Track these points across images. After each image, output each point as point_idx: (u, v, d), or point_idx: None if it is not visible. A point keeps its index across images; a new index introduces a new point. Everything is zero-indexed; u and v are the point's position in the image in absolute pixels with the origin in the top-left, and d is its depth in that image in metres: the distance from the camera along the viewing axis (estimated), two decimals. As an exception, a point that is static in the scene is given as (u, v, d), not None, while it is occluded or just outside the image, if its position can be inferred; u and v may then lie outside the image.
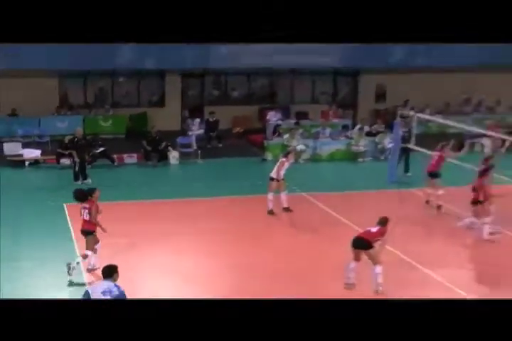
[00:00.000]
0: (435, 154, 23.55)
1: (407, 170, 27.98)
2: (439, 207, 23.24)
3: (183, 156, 30.26)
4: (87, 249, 17.18)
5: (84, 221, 17.22)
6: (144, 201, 23.32)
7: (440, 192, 23.12)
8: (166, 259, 18.39)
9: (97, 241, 17.33)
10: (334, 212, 22.69)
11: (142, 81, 36.17)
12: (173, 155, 29.89)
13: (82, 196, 17.26)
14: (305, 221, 21.98)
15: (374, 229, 16.49)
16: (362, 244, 16.30)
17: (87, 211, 17.11)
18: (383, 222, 16.53)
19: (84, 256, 17.14)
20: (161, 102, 36.40)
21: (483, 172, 20.58)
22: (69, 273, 16.52)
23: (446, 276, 17.41)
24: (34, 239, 19.80)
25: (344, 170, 29.11)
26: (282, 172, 22.53)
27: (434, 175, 23.31)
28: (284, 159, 22.90)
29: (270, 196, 22.52)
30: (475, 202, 20.17)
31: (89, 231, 17.22)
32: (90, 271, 17.16)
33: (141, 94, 36.34)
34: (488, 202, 20.22)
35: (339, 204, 23.44)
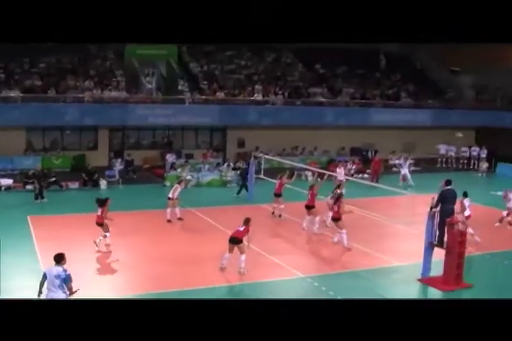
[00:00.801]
0: (277, 182, 23.59)
1: (246, 190, 27.79)
2: (280, 215, 23.24)
3: (110, 183, 29.49)
4: (105, 232, 18.05)
5: (98, 216, 18.22)
6: (82, 214, 22.58)
7: (282, 206, 23.16)
8: (97, 254, 17.85)
9: (108, 229, 18.12)
10: (211, 220, 22.41)
11: (82, 133, 35.17)
12: (103, 183, 29.09)
13: (101, 202, 18.30)
14: (192, 226, 21.69)
15: (241, 228, 16.23)
16: (235, 240, 16.09)
17: (100, 210, 18.20)
18: (246, 221, 16.29)
19: (104, 236, 18.01)
20: (95, 147, 35.45)
21: (338, 199, 19.30)
22: (96, 245, 17.98)
23: (284, 261, 17.41)
24: (6, 239, 18.70)
25: (218, 192, 28.75)
26: (176, 194, 22.17)
27: (277, 195, 23.35)
28: (177, 185, 22.61)
29: (168, 210, 22.12)
30: (335, 219, 19.14)
31: (100, 223, 18.11)
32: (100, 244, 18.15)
33: (81, 141, 35.35)
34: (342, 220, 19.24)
35: (214, 215, 23.21)
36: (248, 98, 37.44)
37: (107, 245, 18.13)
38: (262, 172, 27.68)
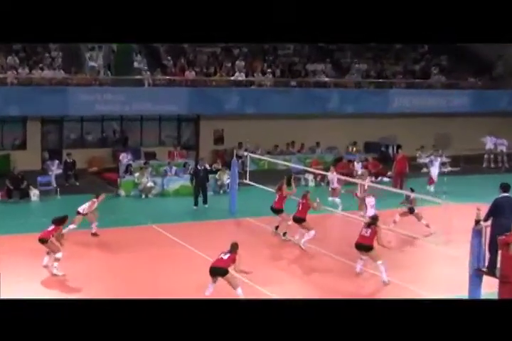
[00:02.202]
0: (277, 194, 23.27)
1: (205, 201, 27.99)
2: (284, 234, 22.89)
3: (44, 193, 29.16)
4: (54, 252, 18.67)
5: (45, 232, 18.96)
6: (5, 236, 22.26)
7: (289, 222, 22.75)
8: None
9: (57, 249, 18.77)
10: (181, 241, 22.19)
11: (6, 126, 34.91)
12: (34, 193, 28.73)
13: (58, 221, 19.22)
14: (156, 248, 21.39)
15: (225, 256, 16.18)
16: (218, 271, 16.03)
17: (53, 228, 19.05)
18: (234, 247, 16.31)
19: (56, 259, 18.62)
20: (23, 145, 35.21)
21: (373, 223, 18.84)
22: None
23: (279, 293, 17.04)
24: None
25: (189, 203, 28.26)
26: (89, 210, 22.45)
27: (278, 211, 23.03)
28: (94, 200, 22.74)
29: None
30: (367, 248, 18.54)
31: (45, 239, 18.72)
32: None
33: (4, 138, 35.11)
34: None
35: (186, 234, 23.10)
36: (227, 78, 37.25)
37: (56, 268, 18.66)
38: (247, 176, 27.38)
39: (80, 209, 22.39)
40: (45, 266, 18.87)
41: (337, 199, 26.07)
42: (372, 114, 39.20)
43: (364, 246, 18.65)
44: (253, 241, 22.15)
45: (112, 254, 20.94)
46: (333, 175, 27.36)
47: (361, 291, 18.12)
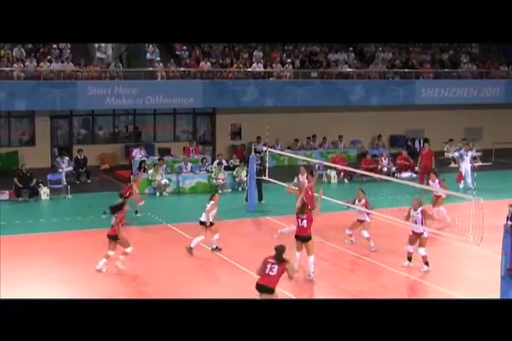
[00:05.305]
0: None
1: (260, 198, 28.12)
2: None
3: (54, 192, 29.28)
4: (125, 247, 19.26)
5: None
6: (16, 235, 22.47)
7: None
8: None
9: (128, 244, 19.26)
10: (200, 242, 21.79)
11: (13, 122, 35.31)
12: (44, 191, 28.91)
13: (115, 209, 19.40)
14: (176, 250, 21.37)
15: (274, 271, 14.30)
16: (265, 290, 14.23)
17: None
18: (279, 255, 14.45)
19: (124, 253, 19.22)
20: (31, 142, 35.57)
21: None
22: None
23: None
24: None
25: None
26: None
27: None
28: (212, 202, 21.66)
29: None
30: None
31: (114, 236, 19.07)
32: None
33: (12, 134, 35.42)
34: None
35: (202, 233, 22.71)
36: (244, 69, 37.45)
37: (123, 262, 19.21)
38: (267, 172, 27.42)
39: (203, 218, 21.30)
40: (99, 270, 19.03)
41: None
42: (398, 106, 39.57)
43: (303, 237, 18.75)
44: (272, 243, 21.89)
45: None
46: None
47: (387, 291, 18.05)
